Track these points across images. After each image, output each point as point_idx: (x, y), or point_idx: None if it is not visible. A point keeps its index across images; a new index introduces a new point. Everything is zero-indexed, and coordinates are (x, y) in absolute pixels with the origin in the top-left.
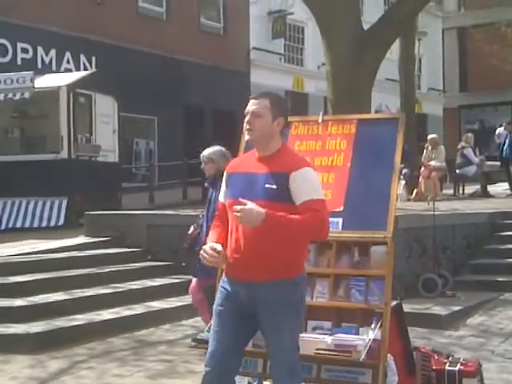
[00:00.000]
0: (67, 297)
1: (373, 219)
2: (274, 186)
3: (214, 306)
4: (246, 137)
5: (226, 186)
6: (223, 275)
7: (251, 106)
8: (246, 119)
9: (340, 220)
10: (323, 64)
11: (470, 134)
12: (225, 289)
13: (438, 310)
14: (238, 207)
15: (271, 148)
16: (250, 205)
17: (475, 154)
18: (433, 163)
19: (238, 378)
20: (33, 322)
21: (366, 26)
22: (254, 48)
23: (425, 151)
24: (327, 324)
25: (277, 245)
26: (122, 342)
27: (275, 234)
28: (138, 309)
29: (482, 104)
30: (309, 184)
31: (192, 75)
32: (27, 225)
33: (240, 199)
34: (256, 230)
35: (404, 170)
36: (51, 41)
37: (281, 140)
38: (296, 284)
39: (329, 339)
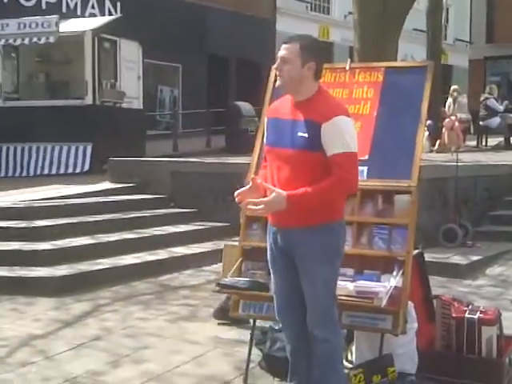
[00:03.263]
0: (91, 241)
1: (397, 168)
2: (306, 135)
3: (267, 251)
4: (277, 83)
5: (266, 131)
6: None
7: (281, 51)
8: (275, 65)
9: (365, 168)
10: (350, 13)
11: (493, 86)
12: (270, 236)
13: (458, 259)
14: (256, 201)
15: (304, 93)
16: (273, 194)
17: (499, 105)
18: (457, 115)
19: (260, 323)
20: (57, 266)
21: None
22: None
23: (448, 102)
24: (349, 271)
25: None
26: (145, 286)
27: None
28: (162, 254)
29: (508, 56)
30: (339, 136)
31: (217, 22)
32: (53, 171)
33: (255, 200)
34: (289, 179)
35: (428, 122)
36: None
37: (316, 84)
38: (331, 230)
39: (351, 286)
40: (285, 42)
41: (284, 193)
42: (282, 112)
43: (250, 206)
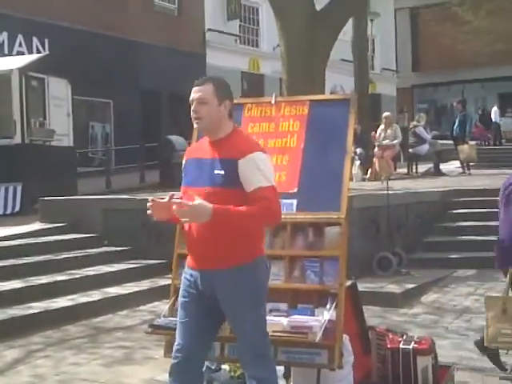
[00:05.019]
0: (23, 284)
1: (326, 200)
2: (223, 172)
3: (179, 298)
4: (195, 125)
5: (183, 173)
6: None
7: (195, 93)
8: (192, 108)
9: (294, 201)
10: (278, 45)
11: (422, 114)
12: (186, 279)
13: (393, 288)
14: (180, 202)
15: (221, 132)
16: (196, 201)
17: (427, 133)
18: (385, 142)
19: None
20: None
21: (318, 7)
22: (209, 29)
23: (378, 130)
24: (283, 306)
25: (228, 233)
26: (78, 330)
27: (225, 225)
28: (95, 295)
29: (435, 83)
30: (257, 171)
31: (147, 57)
32: None
33: (182, 201)
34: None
35: (358, 150)
36: (3, 23)
37: (231, 123)
38: (253, 268)
39: (285, 321)
40: (196, 85)
41: (210, 204)
42: (199, 152)
43: (174, 207)
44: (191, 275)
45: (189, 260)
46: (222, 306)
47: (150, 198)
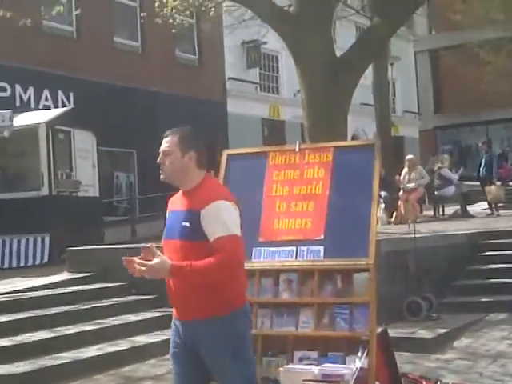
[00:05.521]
0: (51, 335)
1: (354, 246)
2: (188, 224)
3: (170, 348)
4: (161, 176)
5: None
6: None
7: (162, 144)
8: (158, 159)
9: (321, 248)
10: (298, 91)
11: (446, 156)
12: (173, 329)
13: (424, 333)
14: (141, 261)
15: (189, 183)
16: (155, 260)
17: (453, 174)
18: (410, 185)
19: None
20: (17, 362)
21: (338, 53)
22: (229, 78)
23: (402, 173)
24: (313, 354)
25: (201, 287)
26: (107, 379)
27: (191, 281)
28: (123, 344)
29: (457, 124)
30: (217, 220)
31: (169, 107)
32: (14, 264)
33: (140, 261)
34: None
35: (383, 193)
36: (29, 78)
37: (202, 173)
38: (233, 319)
39: (316, 369)
40: (165, 136)
41: (169, 260)
42: (175, 204)
43: (135, 266)
44: (175, 325)
45: (173, 310)
46: (204, 358)
47: (122, 258)
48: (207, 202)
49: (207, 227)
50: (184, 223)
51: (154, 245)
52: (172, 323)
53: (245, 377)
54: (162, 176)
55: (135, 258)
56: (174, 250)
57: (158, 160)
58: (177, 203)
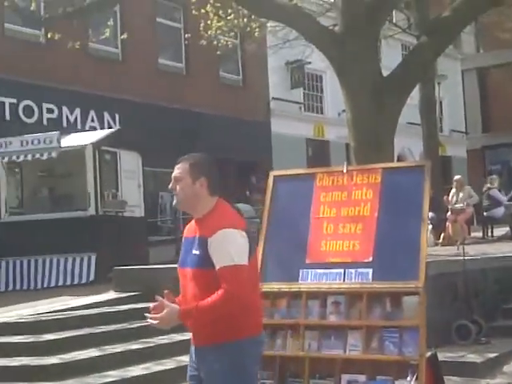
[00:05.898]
0: (98, 353)
1: (403, 269)
2: (198, 252)
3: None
4: (174, 202)
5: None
6: None
7: (174, 171)
8: (170, 185)
9: (370, 271)
10: (343, 111)
11: (494, 176)
12: (190, 351)
13: (474, 357)
14: (151, 316)
15: (201, 210)
16: (164, 311)
17: (502, 195)
18: (458, 206)
19: None
20: (65, 380)
21: (385, 72)
22: (273, 98)
23: (451, 193)
24: (361, 377)
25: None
26: None
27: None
28: (169, 364)
29: (506, 144)
30: (222, 249)
31: (213, 127)
32: (60, 283)
33: (151, 315)
34: (193, 297)
35: (430, 214)
36: (75, 100)
37: (213, 200)
38: (239, 349)
39: None
40: (177, 163)
41: (177, 308)
42: (188, 231)
43: (149, 320)
44: (192, 350)
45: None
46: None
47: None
48: (215, 229)
49: (213, 255)
50: (194, 251)
51: None
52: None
53: None
54: (174, 202)
55: (147, 315)
56: (187, 278)
57: (170, 186)
58: (190, 231)
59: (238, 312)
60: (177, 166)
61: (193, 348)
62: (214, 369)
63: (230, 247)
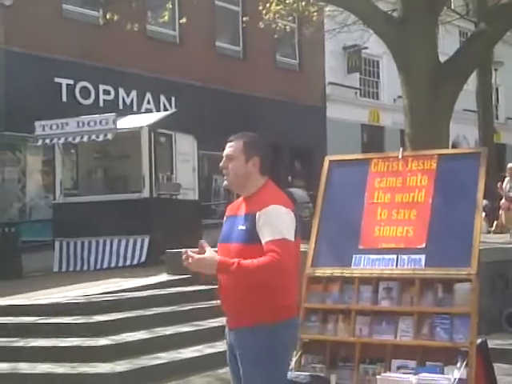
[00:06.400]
0: (149, 335)
1: (456, 256)
2: (244, 227)
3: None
4: (224, 182)
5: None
6: None
7: (226, 149)
8: (221, 163)
9: (423, 257)
10: (399, 97)
11: None
12: (225, 334)
13: None
14: (191, 254)
15: (250, 189)
16: (205, 254)
17: None
18: None
19: None
20: (117, 361)
21: (442, 58)
22: (329, 83)
23: (505, 181)
24: (411, 363)
25: (247, 290)
26: (204, 381)
27: (237, 280)
28: (220, 346)
29: None
30: (271, 223)
31: (268, 112)
32: (113, 264)
33: (189, 253)
34: (226, 276)
35: (484, 202)
36: (132, 82)
37: (263, 179)
38: (274, 331)
39: (413, 379)
40: (229, 141)
41: (217, 256)
42: (233, 210)
43: (184, 257)
44: (227, 332)
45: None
46: (241, 367)
47: (183, 250)
48: (264, 204)
49: (261, 229)
50: (241, 227)
51: None
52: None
53: None
54: (225, 182)
55: (189, 251)
56: (227, 252)
57: (221, 164)
58: (235, 209)
59: (278, 293)
60: (229, 144)
61: (227, 330)
62: (249, 350)
63: (280, 222)
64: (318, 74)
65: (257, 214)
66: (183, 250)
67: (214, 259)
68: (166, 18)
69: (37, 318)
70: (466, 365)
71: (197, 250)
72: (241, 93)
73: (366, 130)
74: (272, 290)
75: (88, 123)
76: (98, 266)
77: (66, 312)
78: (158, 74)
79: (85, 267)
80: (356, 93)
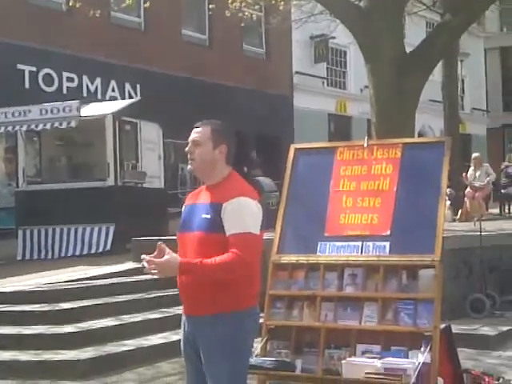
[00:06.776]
0: (116, 322)
1: (420, 243)
2: (208, 216)
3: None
4: (188, 166)
5: (180, 218)
6: None
7: (192, 134)
8: (186, 148)
9: (387, 244)
10: (366, 87)
11: None
12: (182, 324)
13: (487, 330)
14: (149, 259)
15: (215, 177)
16: (164, 257)
17: None
18: (477, 184)
19: None
20: (82, 348)
21: (408, 49)
22: (296, 72)
23: (469, 170)
24: (376, 348)
25: (205, 283)
26: (171, 367)
27: (200, 279)
28: None
29: None
30: (237, 215)
31: (235, 100)
32: (77, 252)
33: (161, 246)
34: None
35: (449, 191)
36: (96, 69)
37: (228, 169)
38: (237, 319)
39: (378, 363)
40: (196, 126)
41: (178, 258)
42: (195, 198)
43: (144, 263)
44: (184, 320)
45: (182, 305)
46: (201, 356)
47: (142, 257)
48: (231, 195)
49: (226, 221)
50: (204, 215)
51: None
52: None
53: (233, 380)
54: (189, 167)
55: (147, 257)
56: (189, 242)
57: (187, 149)
58: (197, 197)
59: (238, 282)
60: (196, 130)
61: (184, 318)
62: (211, 339)
63: (246, 215)
64: (285, 63)
65: (223, 205)
66: (142, 256)
67: (175, 262)
68: (130, 1)
69: (1, 305)
70: (430, 349)
71: (155, 253)
72: (207, 81)
73: (333, 119)
74: (234, 283)
75: (51, 110)
76: (63, 254)
77: (31, 300)
78: (123, 61)
79: (49, 255)
80: (323, 82)
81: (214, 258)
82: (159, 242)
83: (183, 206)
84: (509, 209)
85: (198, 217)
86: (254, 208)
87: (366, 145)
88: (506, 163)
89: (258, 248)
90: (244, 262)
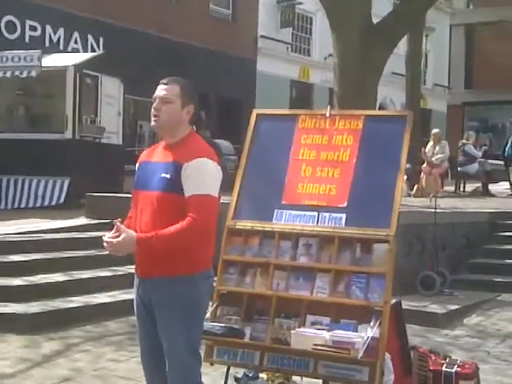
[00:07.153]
0: (65, 278)
1: (376, 216)
2: (168, 176)
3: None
4: (152, 123)
5: (135, 176)
6: None
7: (160, 91)
8: (154, 105)
9: (343, 216)
10: (330, 55)
11: (471, 132)
12: (135, 287)
13: (435, 308)
14: (109, 240)
15: (178, 136)
16: (121, 236)
17: (477, 151)
18: (434, 159)
19: (234, 370)
20: (30, 302)
21: (375, 20)
22: (261, 36)
23: (428, 146)
24: (326, 319)
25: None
26: (118, 326)
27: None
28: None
29: (487, 102)
30: (197, 177)
31: (198, 60)
32: (30, 205)
33: (118, 225)
34: (150, 222)
35: (406, 165)
36: (60, 20)
37: (189, 128)
38: (191, 282)
39: (327, 335)
40: (163, 83)
41: (134, 234)
42: (152, 156)
43: (104, 245)
44: (136, 281)
45: (136, 267)
46: (156, 318)
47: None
48: (192, 156)
49: (186, 181)
50: (164, 175)
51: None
52: (135, 280)
53: (189, 341)
54: (153, 123)
55: (106, 238)
56: (146, 200)
57: (154, 105)
58: (155, 155)
59: (198, 244)
60: (163, 87)
61: (137, 281)
62: (168, 301)
63: (206, 177)
64: (250, 26)
65: (184, 165)
66: (102, 237)
67: (132, 239)
68: None
69: None
70: (380, 324)
71: (113, 232)
72: (171, 38)
73: (295, 85)
74: (193, 247)
75: (12, 58)
76: (16, 205)
77: None
78: (88, 13)
79: (1, 206)
80: (287, 48)
81: (169, 228)
82: (115, 221)
83: (137, 163)
84: (464, 187)
85: (156, 176)
86: (214, 170)
87: (328, 114)
88: (464, 141)
89: (216, 211)
90: (200, 227)
